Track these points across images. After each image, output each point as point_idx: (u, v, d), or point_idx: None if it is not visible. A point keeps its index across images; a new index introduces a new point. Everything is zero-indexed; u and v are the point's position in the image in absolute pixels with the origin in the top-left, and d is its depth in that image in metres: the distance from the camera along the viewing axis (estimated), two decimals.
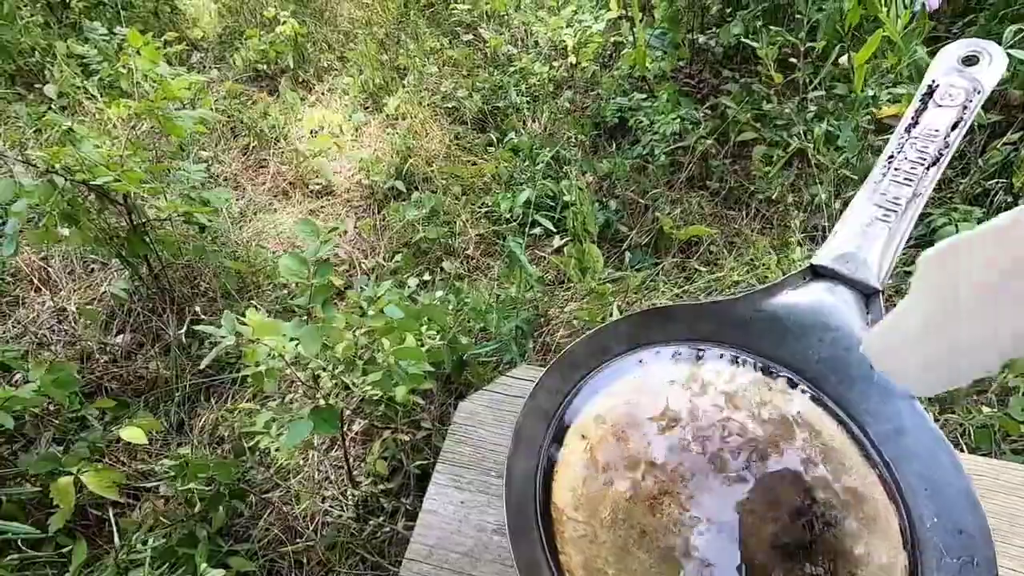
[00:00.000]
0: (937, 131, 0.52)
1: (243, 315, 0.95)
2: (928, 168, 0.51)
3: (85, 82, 2.47)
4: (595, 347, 0.52)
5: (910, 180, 0.51)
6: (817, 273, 0.53)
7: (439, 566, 0.71)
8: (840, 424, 0.48)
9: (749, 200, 2.00)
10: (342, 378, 0.92)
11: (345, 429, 1.33)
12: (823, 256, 0.53)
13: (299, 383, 0.97)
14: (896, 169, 0.52)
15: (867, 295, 0.51)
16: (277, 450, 1.07)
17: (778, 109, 1.76)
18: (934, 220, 1.70)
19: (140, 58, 1.61)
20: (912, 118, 0.54)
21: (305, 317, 0.93)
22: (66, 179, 1.36)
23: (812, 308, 0.51)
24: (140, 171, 1.50)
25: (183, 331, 1.56)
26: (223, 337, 0.78)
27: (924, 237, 1.76)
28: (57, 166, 1.37)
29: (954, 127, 0.52)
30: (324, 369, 0.91)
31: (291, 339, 0.93)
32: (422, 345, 1.23)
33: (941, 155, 0.51)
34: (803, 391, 0.51)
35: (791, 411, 0.49)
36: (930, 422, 0.45)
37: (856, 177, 1.79)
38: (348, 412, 1.53)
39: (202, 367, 1.25)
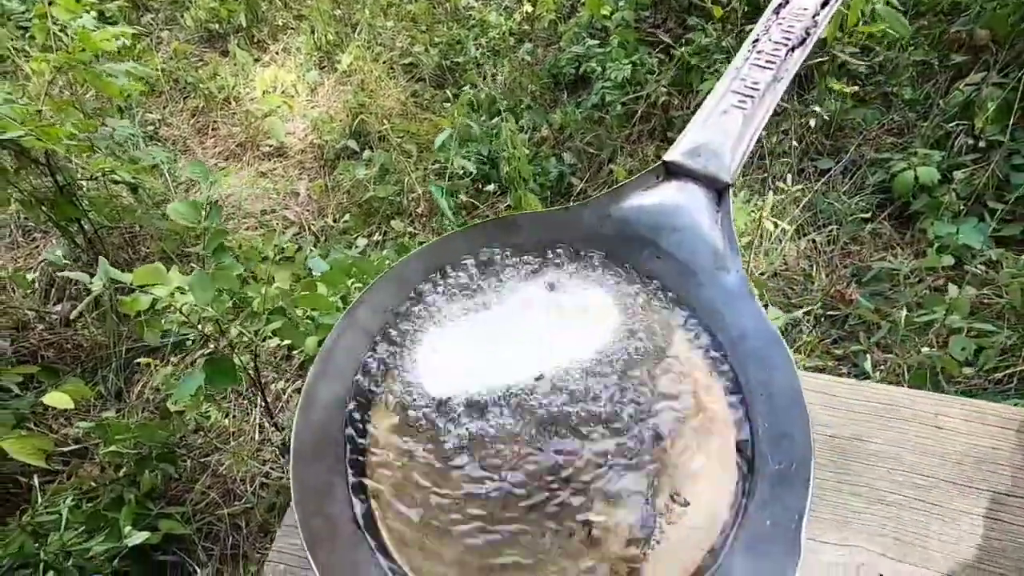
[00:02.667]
0: (805, 9, 0.47)
1: None
2: (792, 50, 0.46)
3: (18, 42, 2.35)
4: (429, 264, 0.47)
5: (772, 63, 0.46)
6: (669, 171, 0.48)
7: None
8: (687, 331, 0.44)
9: None
10: (242, 328, 0.87)
11: (276, 387, 1.28)
12: (675, 151, 0.48)
13: (206, 337, 0.92)
14: (759, 52, 0.47)
15: (718, 190, 0.46)
16: (174, 404, 1.02)
17: (715, 43, 1.68)
18: (893, 165, 1.65)
19: (57, 8, 1.51)
20: None
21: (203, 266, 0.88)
22: None
23: (661, 209, 0.46)
24: (64, 128, 1.43)
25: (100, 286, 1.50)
26: (91, 284, 0.73)
27: (883, 184, 1.72)
28: None
29: (824, 4, 0.47)
30: (223, 321, 0.87)
31: (185, 291, 0.87)
32: (346, 299, 1.18)
33: (808, 35, 0.46)
34: (659, 299, 0.46)
35: (648, 323, 0.45)
36: (767, 321, 0.41)
37: None
38: (284, 372, 1.49)
39: (73, 318, 1.20)
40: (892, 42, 1.88)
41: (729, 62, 1.68)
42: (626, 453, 0.39)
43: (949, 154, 1.65)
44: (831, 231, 1.65)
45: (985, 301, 1.32)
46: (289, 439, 1.37)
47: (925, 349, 1.09)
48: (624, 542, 0.36)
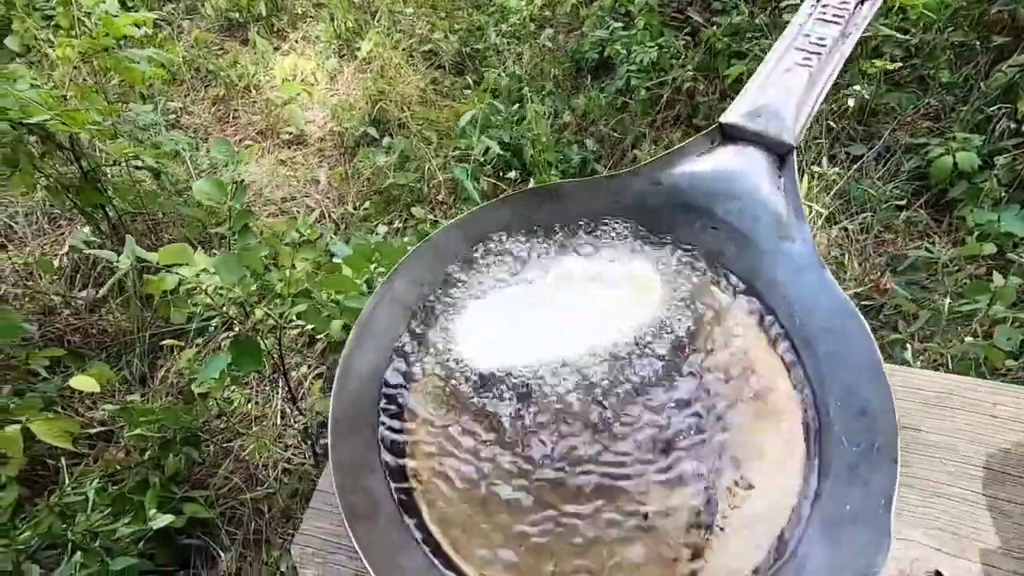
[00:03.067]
0: None
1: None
2: (861, 3, 0.42)
3: (45, 31, 2.38)
4: (470, 234, 0.45)
5: (839, 17, 0.42)
6: (726, 134, 0.45)
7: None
8: (745, 306, 0.41)
9: None
10: (267, 311, 0.86)
11: (297, 373, 1.28)
12: (732, 113, 0.45)
13: (231, 319, 0.91)
14: (824, 6, 0.43)
15: (781, 154, 0.43)
16: (199, 386, 1.02)
17: (748, 21, 1.62)
18: (930, 150, 1.59)
19: None
20: None
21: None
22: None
23: (717, 175, 0.43)
24: (88, 113, 1.43)
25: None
26: (117, 263, 0.72)
27: (919, 170, 1.66)
28: None
29: None
30: (248, 303, 0.85)
31: (213, 273, 0.86)
32: (371, 283, 1.17)
33: None
34: (712, 273, 0.44)
35: (692, 295, 0.43)
36: (839, 293, 0.38)
37: None
38: (308, 358, 1.48)
39: (102, 295, 1.20)
40: (929, 23, 1.81)
41: (764, 41, 1.62)
42: (682, 432, 0.36)
43: (990, 139, 1.59)
44: (864, 219, 1.59)
45: None
46: (311, 426, 1.36)
47: (969, 339, 1.04)
48: (684, 527, 0.33)
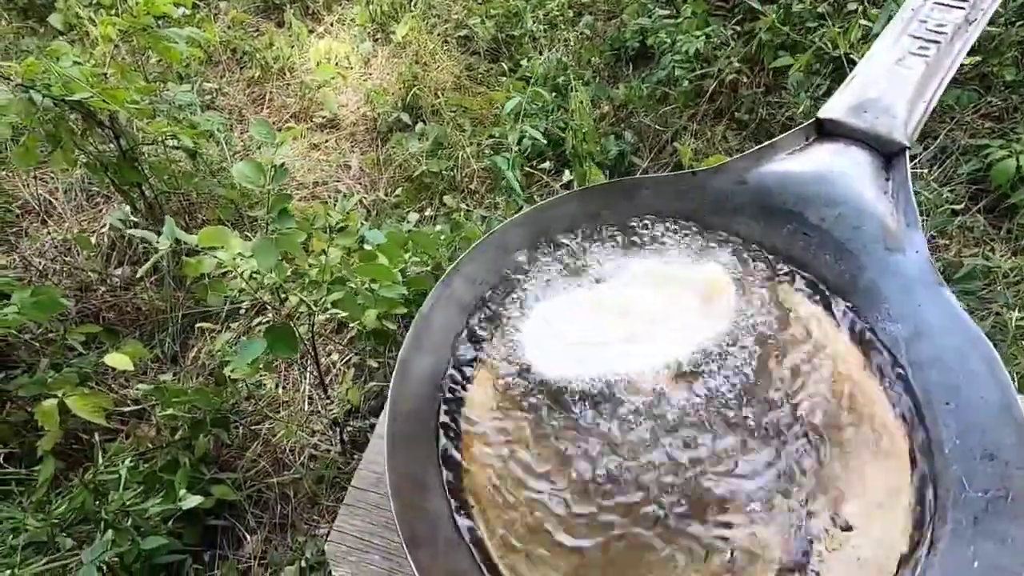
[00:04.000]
0: None
1: None
2: None
3: (88, 10, 2.40)
4: (534, 230, 0.41)
5: (963, 1, 0.38)
6: (825, 131, 0.41)
7: (387, 494, 0.64)
8: (842, 325, 0.38)
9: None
10: (302, 298, 0.84)
11: (326, 360, 1.27)
12: (833, 107, 0.40)
13: (265, 304, 0.90)
14: None
15: (889, 154, 0.39)
16: (233, 371, 1.01)
17: (809, 9, 1.54)
18: (991, 152, 1.51)
19: None
20: None
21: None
22: (43, 95, 1.29)
23: (813, 176, 0.39)
24: (127, 91, 1.43)
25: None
26: (158, 243, 0.71)
27: (978, 172, 1.57)
28: (36, 83, 1.30)
29: None
30: (283, 289, 0.84)
31: (248, 256, 0.85)
32: (404, 273, 1.15)
33: None
34: (799, 284, 0.40)
35: (782, 310, 0.39)
36: (961, 314, 0.34)
37: None
38: (336, 345, 1.48)
39: (139, 276, 1.20)
40: (995, 16, 1.71)
41: (822, 30, 1.54)
42: (772, 463, 0.33)
43: None
44: None
45: None
46: (339, 415, 1.35)
47: None
48: (775, 570, 0.30)
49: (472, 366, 0.38)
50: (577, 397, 0.36)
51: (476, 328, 0.39)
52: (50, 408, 1.19)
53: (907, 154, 0.39)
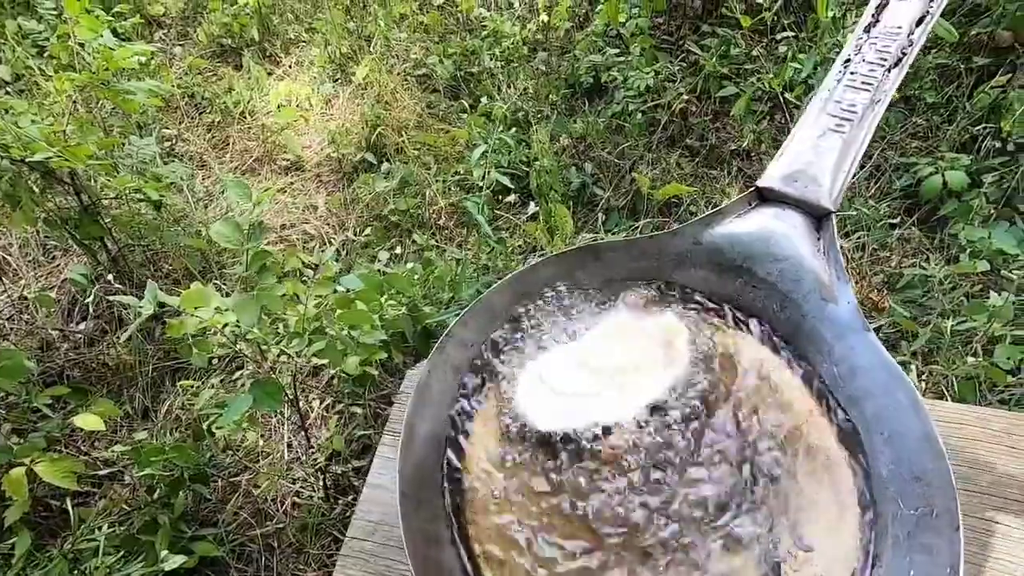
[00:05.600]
0: (900, 28, 0.45)
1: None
2: (889, 70, 0.44)
3: (38, 61, 2.36)
4: (516, 293, 0.46)
5: (868, 84, 0.44)
6: (764, 197, 0.47)
7: (384, 543, 0.66)
8: (789, 365, 0.43)
9: (731, 158, 1.93)
10: (284, 348, 0.86)
11: (303, 405, 1.27)
12: (769, 176, 0.46)
13: (245, 358, 0.91)
14: (852, 74, 0.45)
15: (818, 217, 0.45)
16: (219, 428, 1.01)
17: (745, 53, 1.67)
18: (920, 170, 1.64)
19: (79, 27, 1.51)
20: (873, 16, 0.47)
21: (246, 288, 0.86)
22: (2, 156, 1.28)
23: (757, 237, 0.45)
24: (88, 147, 1.42)
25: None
26: (141, 307, 0.72)
27: (910, 187, 1.70)
28: None
29: (919, 22, 0.45)
30: (265, 342, 0.86)
31: (226, 310, 0.86)
32: (383, 317, 1.17)
33: (904, 55, 0.45)
34: (749, 330, 0.45)
35: (735, 353, 0.44)
36: (886, 357, 0.39)
37: None
38: (313, 390, 1.48)
39: (123, 340, 1.19)
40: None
41: (758, 71, 1.66)
42: (739, 494, 0.37)
43: (977, 158, 1.64)
44: (859, 237, 1.63)
45: None
46: (321, 463, 1.34)
47: (971, 359, 1.07)
48: None
49: (471, 422, 0.42)
50: (566, 445, 0.40)
51: (470, 389, 0.43)
52: (18, 476, 1.15)
53: (833, 218, 0.45)
